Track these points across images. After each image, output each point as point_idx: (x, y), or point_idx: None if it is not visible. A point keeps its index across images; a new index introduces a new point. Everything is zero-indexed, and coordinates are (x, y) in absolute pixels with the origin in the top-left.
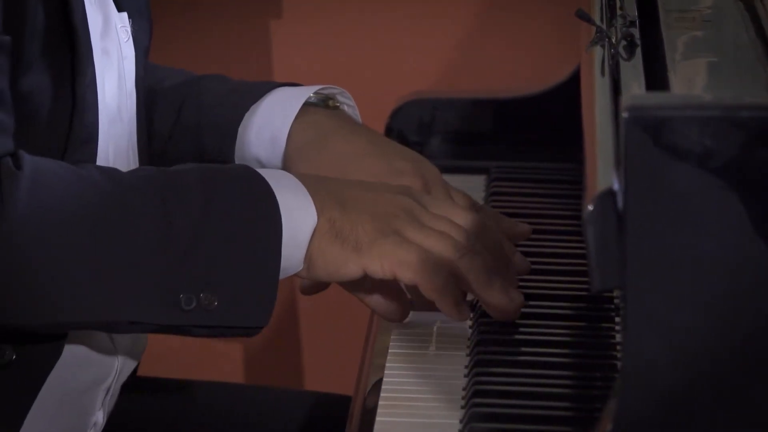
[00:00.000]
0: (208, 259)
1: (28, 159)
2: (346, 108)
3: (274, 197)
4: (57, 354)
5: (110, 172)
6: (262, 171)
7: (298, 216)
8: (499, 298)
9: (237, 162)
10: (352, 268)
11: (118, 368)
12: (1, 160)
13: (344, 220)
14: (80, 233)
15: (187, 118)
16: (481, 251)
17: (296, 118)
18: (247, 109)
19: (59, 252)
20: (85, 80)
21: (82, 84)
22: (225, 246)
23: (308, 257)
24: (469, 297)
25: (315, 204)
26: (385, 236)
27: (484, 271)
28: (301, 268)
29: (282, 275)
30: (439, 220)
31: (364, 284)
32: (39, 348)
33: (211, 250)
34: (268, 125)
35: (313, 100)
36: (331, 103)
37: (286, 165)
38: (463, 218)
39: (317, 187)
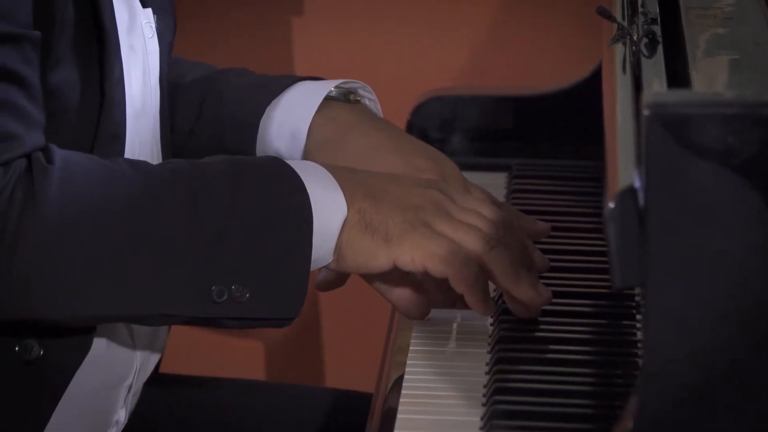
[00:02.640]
0: (239, 251)
1: (59, 153)
2: (367, 102)
3: (305, 188)
4: (84, 351)
5: (140, 165)
6: (292, 162)
7: (328, 207)
8: (527, 292)
9: (258, 156)
10: (381, 260)
11: (137, 366)
12: (32, 155)
13: (374, 211)
14: (111, 226)
15: (208, 112)
16: (510, 245)
17: (317, 112)
18: (268, 104)
19: (90, 245)
20: (113, 77)
21: (110, 80)
22: (255, 237)
23: (338, 249)
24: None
25: (345, 195)
26: (414, 228)
27: (513, 265)
28: (331, 260)
29: (312, 267)
30: (468, 212)
31: (389, 279)
32: (66, 345)
33: (242, 241)
34: (289, 119)
35: (334, 94)
36: (352, 97)
37: (306, 159)
38: (490, 212)
39: (347, 178)
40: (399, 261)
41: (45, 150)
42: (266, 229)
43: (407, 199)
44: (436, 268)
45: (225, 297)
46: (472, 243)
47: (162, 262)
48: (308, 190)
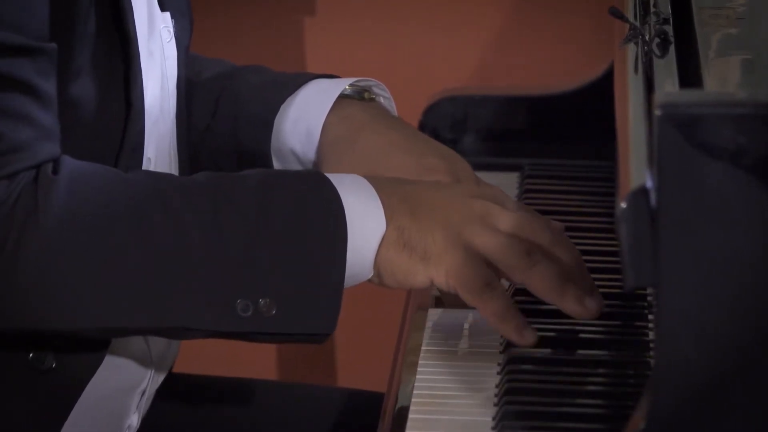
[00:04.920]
0: (265, 265)
1: (67, 164)
2: (381, 100)
3: (340, 202)
4: (97, 363)
5: (159, 177)
6: (332, 176)
7: (366, 223)
8: (573, 308)
9: (273, 154)
10: (420, 278)
11: (152, 372)
12: (41, 166)
13: (414, 228)
14: (122, 238)
15: (224, 109)
16: (558, 258)
17: (331, 110)
18: (283, 101)
19: (99, 257)
20: (137, 87)
21: (136, 91)
22: (283, 251)
23: (377, 266)
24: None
25: (385, 211)
26: (455, 249)
27: (553, 281)
28: (371, 275)
29: (351, 282)
30: (513, 226)
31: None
32: (79, 356)
33: (268, 255)
34: (304, 117)
35: (348, 92)
36: (366, 95)
37: (320, 158)
38: (536, 225)
39: (390, 193)
40: (435, 281)
41: (55, 161)
42: (296, 243)
43: (450, 214)
44: (466, 298)
45: (250, 311)
46: (513, 259)
47: (180, 276)
48: (345, 204)
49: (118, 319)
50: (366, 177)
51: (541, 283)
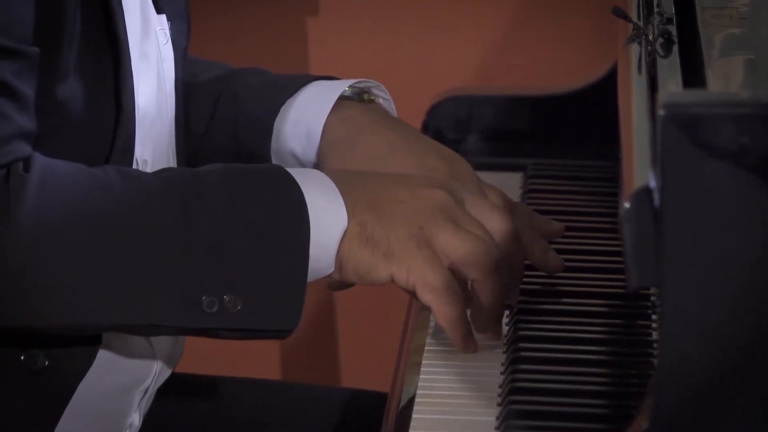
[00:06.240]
0: (231, 261)
1: (38, 161)
2: (381, 101)
3: (302, 198)
4: (90, 360)
5: (129, 174)
6: (293, 170)
7: (328, 218)
8: (483, 326)
9: (273, 156)
10: (381, 273)
11: (156, 371)
12: (11, 165)
13: (376, 224)
14: (93, 234)
15: (223, 112)
16: (502, 277)
17: (331, 112)
18: (283, 103)
19: (69, 254)
20: (127, 89)
21: (126, 93)
22: (248, 248)
23: (338, 260)
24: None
25: (346, 206)
26: (418, 248)
27: (498, 297)
28: (332, 270)
29: (312, 277)
30: (474, 222)
31: None
32: (72, 354)
33: (234, 251)
34: (304, 119)
35: (348, 93)
36: (366, 96)
37: (320, 160)
38: (497, 223)
39: (351, 185)
40: (395, 277)
41: (26, 159)
42: (259, 239)
43: (413, 209)
44: (423, 298)
45: (216, 308)
46: (471, 258)
47: (148, 272)
48: (307, 200)
49: (87, 315)
50: (328, 171)
51: (486, 296)
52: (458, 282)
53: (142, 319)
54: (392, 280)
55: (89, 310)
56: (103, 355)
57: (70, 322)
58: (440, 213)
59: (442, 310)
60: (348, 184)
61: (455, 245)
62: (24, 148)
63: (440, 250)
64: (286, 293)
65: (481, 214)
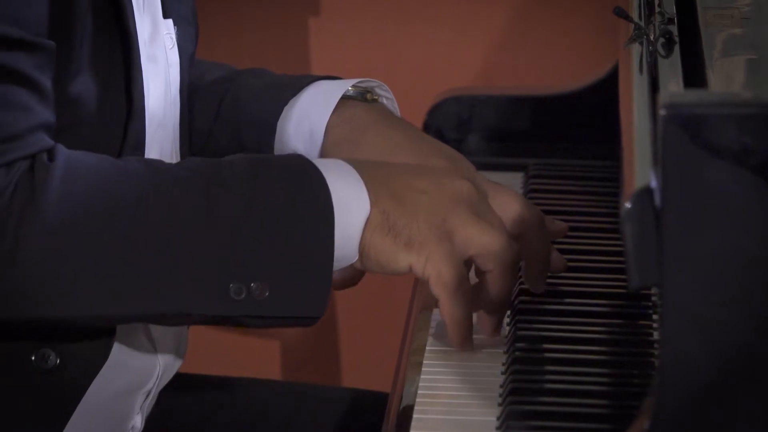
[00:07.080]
0: (257, 249)
1: (63, 152)
2: (384, 101)
3: (326, 185)
4: (102, 360)
5: (152, 163)
6: (315, 160)
7: (351, 206)
8: (487, 328)
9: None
10: (401, 263)
11: (159, 373)
12: (36, 155)
13: (399, 213)
14: (118, 224)
15: (226, 113)
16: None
17: (334, 111)
18: (286, 103)
19: (95, 243)
20: (138, 85)
21: (137, 89)
22: (273, 235)
23: (361, 248)
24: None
25: (369, 195)
26: (439, 240)
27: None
28: (356, 259)
29: (337, 265)
30: (495, 216)
31: None
32: (83, 353)
33: (260, 238)
34: (307, 119)
35: (351, 93)
36: (369, 96)
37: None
38: (522, 212)
39: (374, 174)
40: (413, 266)
41: (50, 150)
42: (286, 227)
43: (436, 200)
44: (434, 291)
45: (243, 295)
46: (491, 254)
47: (176, 260)
48: (330, 188)
49: (115, 304)
50: (348, 160)
51: (496, 290)
52: (478, 276)
53: (172, 307)
54: (410, 270)
55: (116, 299)
56: (113, 355)
57: (99, 312)
58: (463, 204)
59: (449, 307)
60: (371, 173)
61: (476, 237)
62: (47, 140)
63: (460, 241)
64: (312, 280)
65: (505, 203)
